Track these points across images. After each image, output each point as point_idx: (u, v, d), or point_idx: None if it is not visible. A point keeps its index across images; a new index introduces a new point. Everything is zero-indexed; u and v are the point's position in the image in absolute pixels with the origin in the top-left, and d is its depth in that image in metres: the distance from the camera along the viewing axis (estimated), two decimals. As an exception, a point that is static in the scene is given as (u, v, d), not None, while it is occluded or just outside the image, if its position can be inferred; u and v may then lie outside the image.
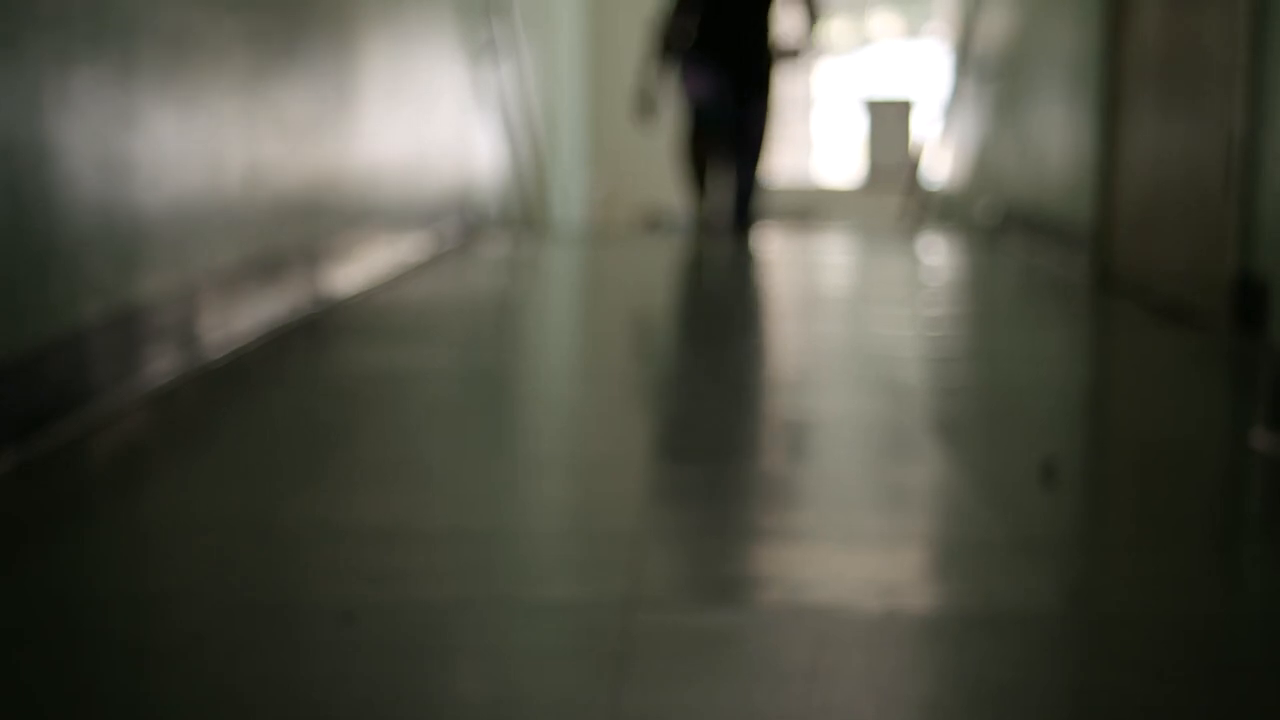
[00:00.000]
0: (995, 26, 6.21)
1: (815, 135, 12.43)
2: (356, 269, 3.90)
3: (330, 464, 2.05)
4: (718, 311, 3.98)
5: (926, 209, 7.33)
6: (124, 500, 1.89)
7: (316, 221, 3.62)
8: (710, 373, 2.86)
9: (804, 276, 4.91)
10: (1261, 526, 1.88)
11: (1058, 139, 5.03)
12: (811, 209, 10.61)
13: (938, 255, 5.36)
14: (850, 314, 3.86)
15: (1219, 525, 1.87)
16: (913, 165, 7.68)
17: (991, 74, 6.25)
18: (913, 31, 12.63)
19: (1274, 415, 2.15)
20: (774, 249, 5.39)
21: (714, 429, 2.29)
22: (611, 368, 3.02)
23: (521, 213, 6.75)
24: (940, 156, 7.26)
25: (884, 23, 12.93)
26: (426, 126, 4.99)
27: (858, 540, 1.70)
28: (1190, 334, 3.33)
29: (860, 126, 11.01)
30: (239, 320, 2.96)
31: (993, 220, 5.86)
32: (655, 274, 4.62)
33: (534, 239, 5.92)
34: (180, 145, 2.67)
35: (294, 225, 3.43)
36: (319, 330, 3.23)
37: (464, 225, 5.48)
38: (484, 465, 2.08)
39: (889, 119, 10.72)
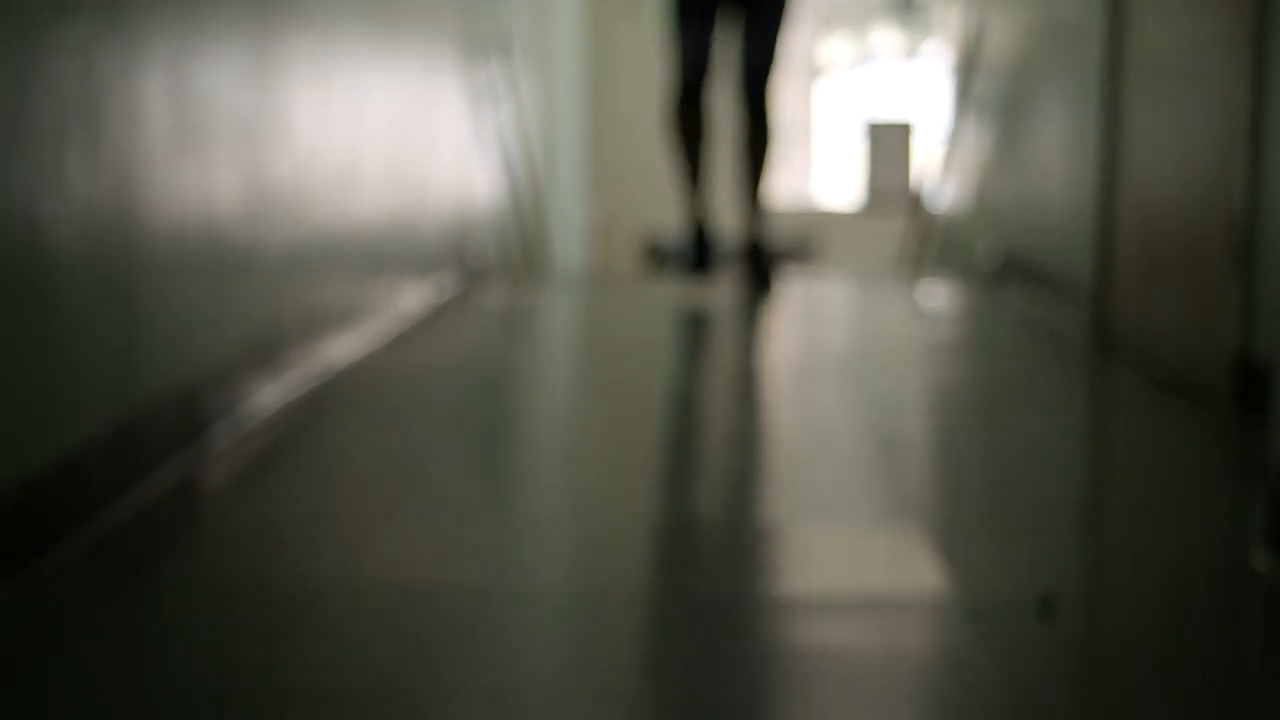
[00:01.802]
0: (996, 62, 6.21)
1: (815, 158, 12.42)
2: (356, 335, 3.90)
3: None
4: (712, 386, 3.98)
5: (928, 245, 7.32)
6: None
7: (318, 290, 3.62)
8: (695, 460, 2.85)
9: (800, 338, 4.90)
10: (1262, 672, 1.87)
11: (1057, 187, 5.02)
12: (811, 235, 10.60)
13: (935, 308, 5.35)
14: (841, 388, 3.85)
15: (1219, 673, 1.86)
16: (915, 201, 7.66)
17: (991, 113, 6.24)
18: (914, 49, 12.62)
19: (1274, 534, 2.14)
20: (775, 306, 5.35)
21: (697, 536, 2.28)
22: (607, 464, 3.01)
23: (521, 254, 6.75)
24: (942, 186, 7.24)
25: (885, 40, 12.92)
26: (426, 174, 4.99)
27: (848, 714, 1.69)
28: (1190, 413, 3.33)
29: (860, 149, 11.00)
30: (236, 409, 2.96)
31: (992, 264, 5.85)
32: (652, 331, 4.60)
33: (533, 285, 5.91)
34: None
35: (293, 297, 3.42)
36: (315, 418, 3.22)
37: (463, 271, 5.47)
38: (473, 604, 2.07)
39: (889, 142, 10.70)
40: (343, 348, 3.75)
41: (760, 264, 5.30)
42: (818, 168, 12.46)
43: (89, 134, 2.27)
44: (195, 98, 2.73)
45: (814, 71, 12.30)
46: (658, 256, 10.26)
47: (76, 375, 2.26)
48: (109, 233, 2.36)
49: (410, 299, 4.60)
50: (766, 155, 5.24)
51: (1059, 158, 5.01)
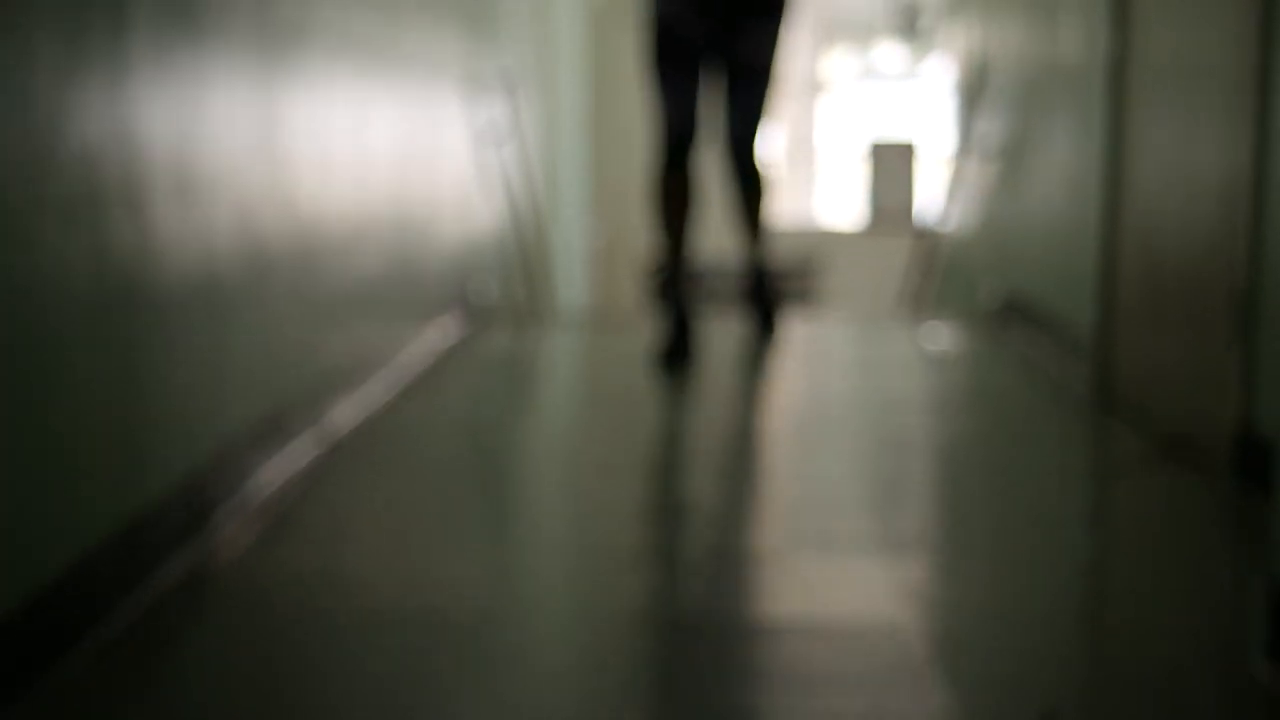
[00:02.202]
0: (998, 99, 6.21)
1: (817, 177, 12.43)
2: (360, 393, 3.90)
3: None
4: (709, 451, 3.98)
5: (930, 279, 7.32)
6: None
7: (322, 354, 3.63)
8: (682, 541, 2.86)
9: (798, 390, 4.90)
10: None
11: (1058, 230, 5.02)
12: (813, 254, 10.60)
13: (936, 353, 5.36)
14: (836, 448, 3.86)
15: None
16: (920, 233, 7.67)
17: (994, 151, 6.24)
18: (916, 65, 12.62)
19: (1275, 645, 2.14)
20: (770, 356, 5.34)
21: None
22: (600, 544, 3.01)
23: (524, 288, 6.75)
24: (945, 219, 7.24)
25: (887, 56, 12.93)
26: (431, 217, 4.99)
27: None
28: (1191, 481, 3.33)
29: (863, 169, 11.00)
30: (241, 487, 2.96)
31: (994, 303, 5.85)
32: (649, 384, 4.60)
33: (535, 326, 5.91)
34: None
35: (297, 364, 3.43)
36: (318, 488, 3.23)
37: (467, 312, 5.48)
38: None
39: (892, 162, 10.71)
40: (347, 409, 3.75)
41: (763, 304, 5.11)
42: (820, 187, 12.46)
43: (91, 217, 2.28)
44: (196, 164, 2.74)
45: (816, 88, 12.30)
46: (659, 282, 10.26)
47: (80, 481, 2.27)
48: (110, 311, 2.37)
49: (413, 348, 4.61)
50: (762, 206, 5.01)
51: (1061, 198, 5.01)
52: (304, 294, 3.48)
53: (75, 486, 2.24)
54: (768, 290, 5.14)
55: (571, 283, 9.21)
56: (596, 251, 10.28)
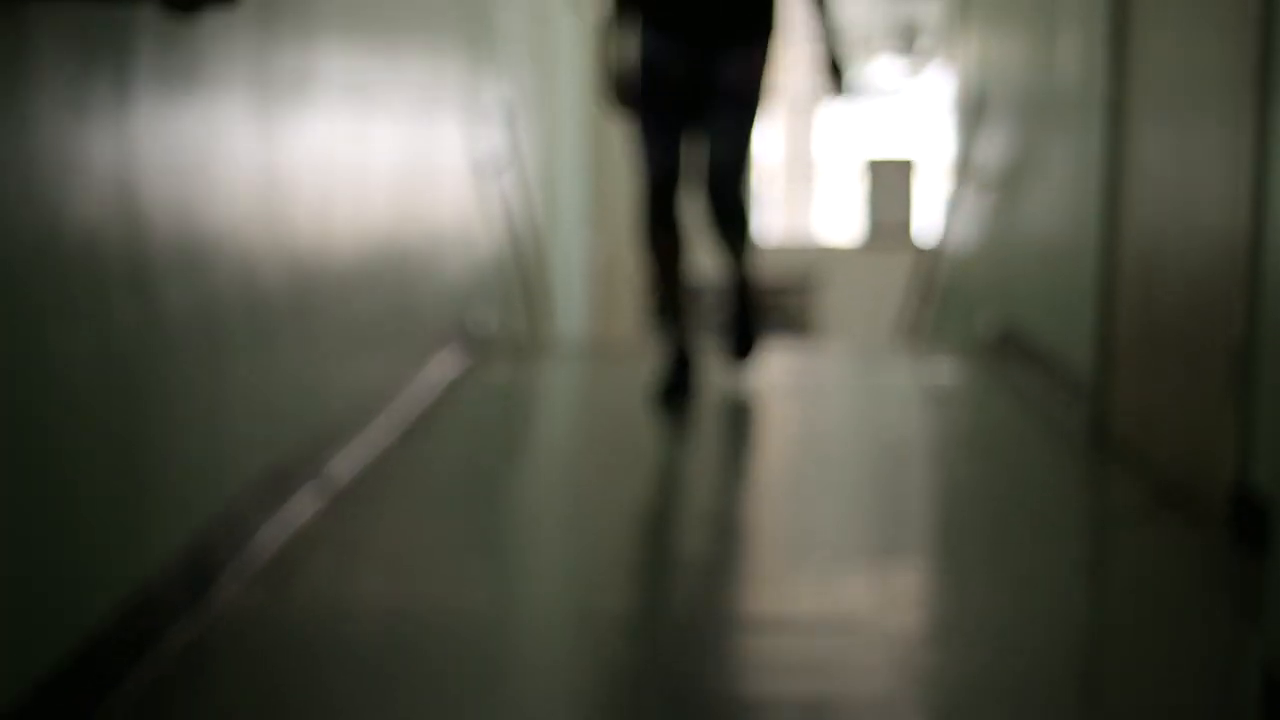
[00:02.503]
0: (997, 128, 6.23)
1: (815, 193, 12.45)
2: (363, 439, 3.92)
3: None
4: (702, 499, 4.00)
5: (928, 305, 7.34)
6: None
7: (324, 405, 3.64)
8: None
9: (790, 431, 4.92)
10: None
11: (1057, 263, 5.04)
12: (811, 272, 10.62)
13: (932, 390, 5.38)
14: (829, 497, 3.88)
15: None
16: (920, 261, 7.68)
17: (992, 183, 6.26)
18: (914, 78, 12.65)
19: (1270, 729, 2.16)
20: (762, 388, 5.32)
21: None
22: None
23: (525, 313, 6.77)
24: (944, 246, 7.27)
25: (885, 69, 12.95)
26: (432, 251, 5.01)
27: None
28: (1188, 535, 3.35)
29: (861, 186, 11.03)
30: (242, 550, 2.98)
31: (992, 334, 5.87)
32: (644, 423, 4.62)
33: (534, 357, 5.92)
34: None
35: (298, 417, 3.44)
36: (319, 548, 3.25)
37: (467, 343, 5.50)
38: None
39: (890, 179, 10.74)
40: (347, 456, 3.77)
41: (745, 333, 4.89)
42: (818, 202, 12.48)
43: (93, 297, 2.30)
44: (199, 229, 2.75)
45: (814, 102, 12.32)
46: (658, 299, 10.28)
47: (82, 560, 2.28)
48: (110, 388, 2.39)
49: (414, 387, 4.62)
50: (746, 242, 4.76)
51: (1059, 230, 5.03)
52: (305, 345, 3.50)
53: (77, 566, 2.25)
54: (750, 316, 4.91)
55: (571, 299, 9.23)
56: (596, 267, 10.30)
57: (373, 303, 4.19)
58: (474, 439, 4.47)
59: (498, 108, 6.24)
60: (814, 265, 10.67)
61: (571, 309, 9.26)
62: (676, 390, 4.63)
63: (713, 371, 5.00)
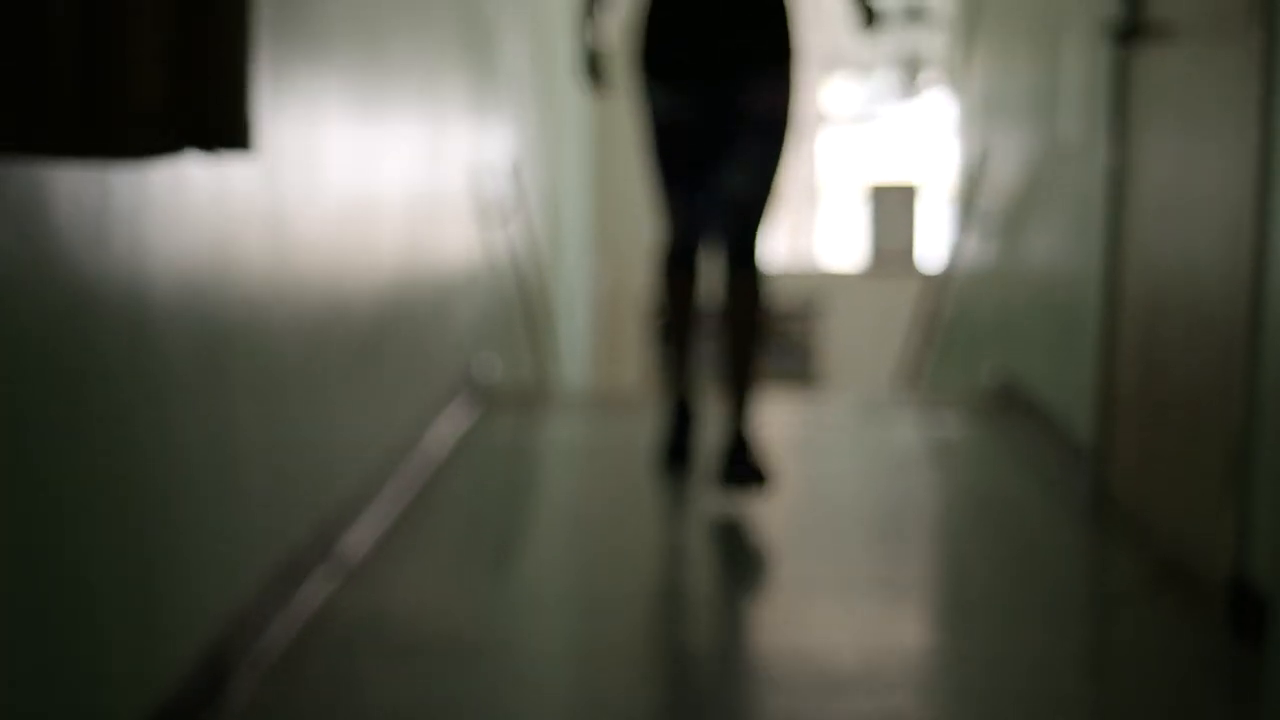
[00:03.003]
0: (998, 182, 6.27)
1: (818, 217, 12.49)
2: (370, 514, 3.96)
3: None
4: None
5: (931, 344, 7.38)
6: None
7: (334, 485, 3.68)
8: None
9: (791, 501, 4.96)
10: None
11: (1059, 322, 5.09)
12: (814, 298, 10.65)
13: (933, 447, 5.41)
14: (828, 587, 3.91)
15: None
16: (923, 304, 7.72)
17: (994, 232, 6.30)
18: (915, 99, 12.67)
19: None
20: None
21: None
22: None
23: (528, 362, 6.81)
24: (947, 279, 7.30)
25: (887, 89, 12.98)
26: (439, 302, 5.05)
27: None
28: (1186, 623, 3.38)
29: (864, 212, 11.06)
30: (254, 648, 3.02)
31: (994, 384, 5.92)
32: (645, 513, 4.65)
33: (538, 409, 5.95)
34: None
35: (310, 502, 3.48)
36: (329, 646, 3.28)
37: (472, 393, 5.54)
38: None
39: (893, 205, 10.78)
40: (358, 532, 3.81)
41: (743, 464, 4.25)
42: (821, 228, 12.52)
43: (107, 409, 2.34)
44: (216, 329, 2.79)
45: (817, 123, 12.35)
46: (663, 326, 10.34)
47: (92, 679, 2.32)
48: (122, 499, 2.43)
49: (421, 447, 4.67)
50: (757, 326, 4.29)
51: (1060, 288, 5.08)
52: (316, 416, 3.53)
53: (90, 676, 2.29)
54: (750, 444, 4.30)
55: (575, 329, 9.28)
56: (600, 293, 10.35)
57: (381, 370, 4.23)
58: (482, 509, 4.51)
59: (502, 157, 6.29)
60: (816, 291, 10.70)
61: (575, 338, 9.30)
62: (677, 455, 4.48)
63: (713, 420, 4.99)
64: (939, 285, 7.19)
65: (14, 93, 1.73)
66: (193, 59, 1.86)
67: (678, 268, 4.42)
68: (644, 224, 9.68)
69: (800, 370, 10.38)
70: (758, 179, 4.19)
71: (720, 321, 4.33)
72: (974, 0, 6.67)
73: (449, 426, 5.07)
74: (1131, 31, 4.06)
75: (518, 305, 6.67)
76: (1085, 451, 4.55)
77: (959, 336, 6.92)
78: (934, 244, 9.26)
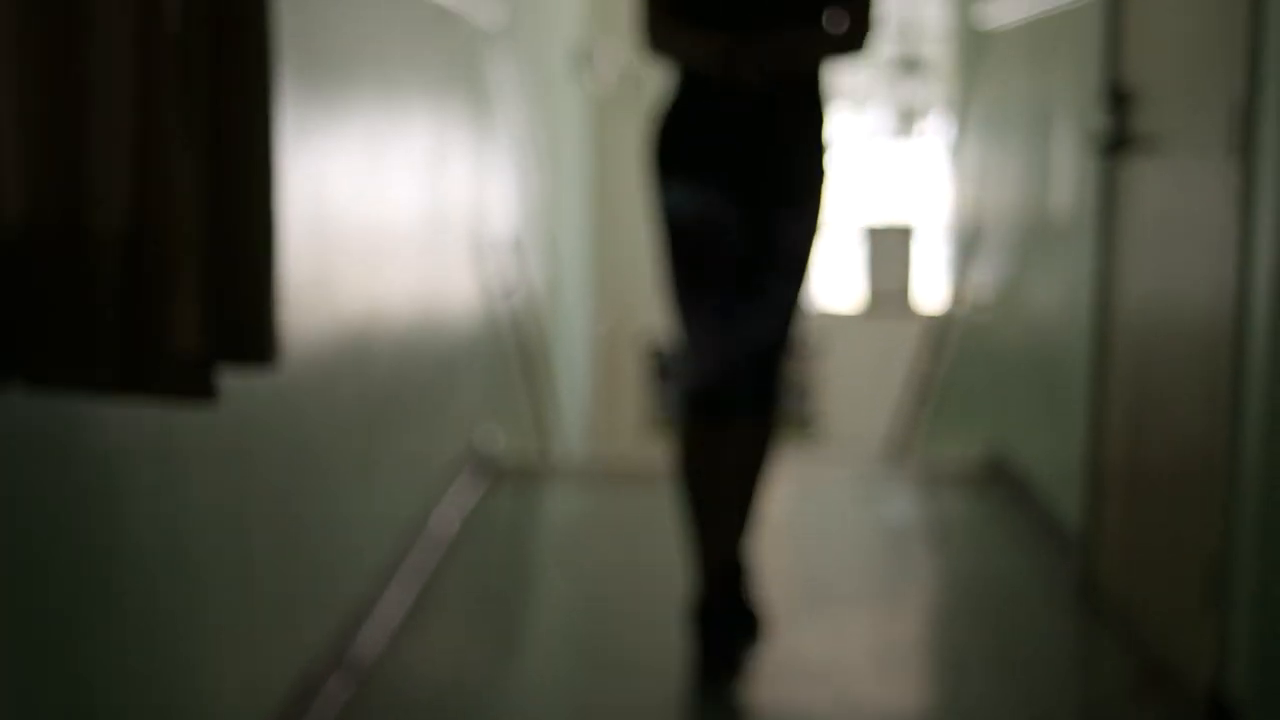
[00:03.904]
0: (992, 245, 6.37)
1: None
2: (379, 614, 4.06)
3: None
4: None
5: (926, 404, 7.48)
6: None
7: (343, 581, 3.79)
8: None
9: (779, 583, 5.01)
10: None
11: (1050, 401, 5.20)
12: (811, 338, 10.76)
13: (920, 530, 5.49)
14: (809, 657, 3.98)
15: None
16: (920, 364, 7.80)
17: (984, 303, 6.40)
18: (912, 127, 12.75)
19: None
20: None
21: None
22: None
23: (531, 430, 6.90)
24: (941, 348, 7.40)
25: (882, 116, 13.06)
26: (443, 385, 5.14)
27: None
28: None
29: (860, 253, 11.17)
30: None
31: (987, 452, 6.02)
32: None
33: (542, 488, 6.02)
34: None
35: (322, 605, 3.59)
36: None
37: (475, 466, 5.63)
38: None
39: (889, 246, 10.89)
40: (368, 635, 3.91)
41: (737, 612, 3.87)
42: (818, 268, 12.59)
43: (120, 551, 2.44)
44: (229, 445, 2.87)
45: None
46: (662, 367, 10.46)
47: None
48: (139, 628, 2.53)
49: (428, 531, 4.75)
50: (766, 461, 3.81)
51: (1050, 360, 5.19)
52: (326, 518, 3.60)
53: None
54: (745, 589, 3.91)
55: (575, 370, 9.37)
56: (600, 337, 10.46)
57: (391, 442, 4.30)
58: (490, 603, 4.57)
59: (505, 228, 6.39)
60: (814, 331, 10.82)
61: (576, 379, 9.40)
62: (731, 644, 3.75)
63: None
64: (933, 342, 7.29)
65: (61, 336, 1.86)
66: (225, 298, 1.99)
67: (704, 422, 3.72)
68: (643, 264, 9.77)
69: (798, 411, 10.48)
70: (776, 310, 3.69)
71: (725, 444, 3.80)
72: (970, 67, 6.79)
73: (454, 506, 5.17)
74: (1118, 144, 4.18)
75: (519, 372, 6.77)
76: (1073, 537, 4.67)
77: (952, 400, 7.03)
78: (931, 285, 9.37)
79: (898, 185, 12.42)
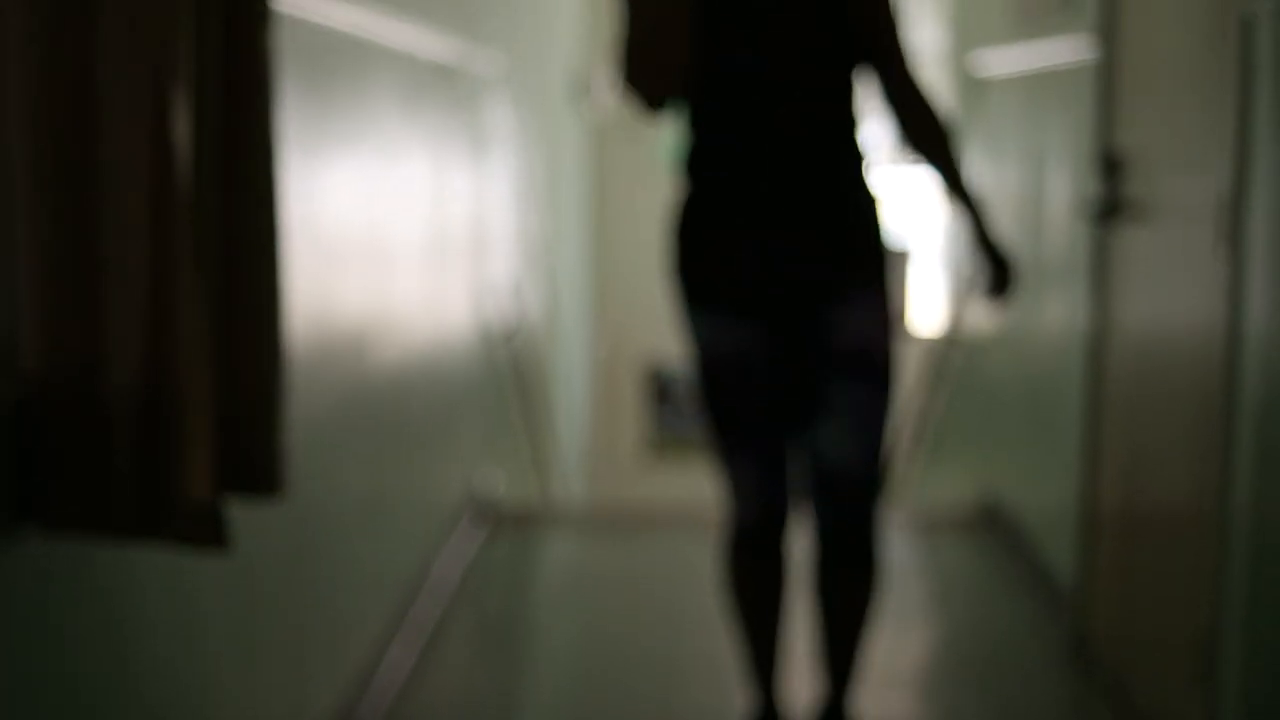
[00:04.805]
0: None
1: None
2: (379, 680, 4.11)
3: None
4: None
5: (919, 444, 7.52)
6: None
7: (346, 651, 3.84)
8: None
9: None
10: None
11: (1038, 445, 5.25)
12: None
13: (905, 585, 5.54)
14: None
15: None
16: (910, 411, 7.82)
17: (974, 347, 6.46)
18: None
19: None
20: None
21: None
22: None
23: (531, 472, 6.96)
24: (935, 389, 7.45)
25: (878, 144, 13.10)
26: (444, 437, 5.19)
27: None
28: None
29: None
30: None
31: (980, 497, 6.07)
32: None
33: (543, 536, 6.05)
34: None
35: (324, 673, 3.64)
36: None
37: (475, 514, 5.68)
38: None
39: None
40: (372, 700, 3.96)
41: None
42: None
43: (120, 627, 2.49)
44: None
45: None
46: (660, 389, 10.51)
47: None
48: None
49: (429, 585, 4.80)
50: (867, 612, 3.33)
51: (1043, 407, 5.24)
52: (333, 577, 3.66)
53: None
54: None
55: (574, 395, 9.42)
56: (599, 361, 10.52)
57: (393, 491, 4.35)
58: (492, 666, 4.60)
59: (504, 274, 6.45)
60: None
61: (575, 403, 9.45)
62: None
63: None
64: (929, 377, 7.34)
65: (77, 483, 1.92)
66: (233, 434, 2.05)
67: (749, 554, 3.29)
68: (643, 287, 9.82)
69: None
70: (862, 438, 3.11)
71: (813, 595, 3.39)
72: (967, 109, 6.84)
73: (456, 555, 5.21)
74: (1110, 210, 4.24)
75: (519, 412, 6.82)
76: (1066, 590, 4.72)
77: (946, 439, 7.08)
78: (926, 309, 9.41)
79: (896, 211, 12.46)
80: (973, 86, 6.54)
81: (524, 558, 5.68)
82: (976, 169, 6.66)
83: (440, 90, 5.14)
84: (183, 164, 1.86)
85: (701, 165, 3.10)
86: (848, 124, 3.10)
